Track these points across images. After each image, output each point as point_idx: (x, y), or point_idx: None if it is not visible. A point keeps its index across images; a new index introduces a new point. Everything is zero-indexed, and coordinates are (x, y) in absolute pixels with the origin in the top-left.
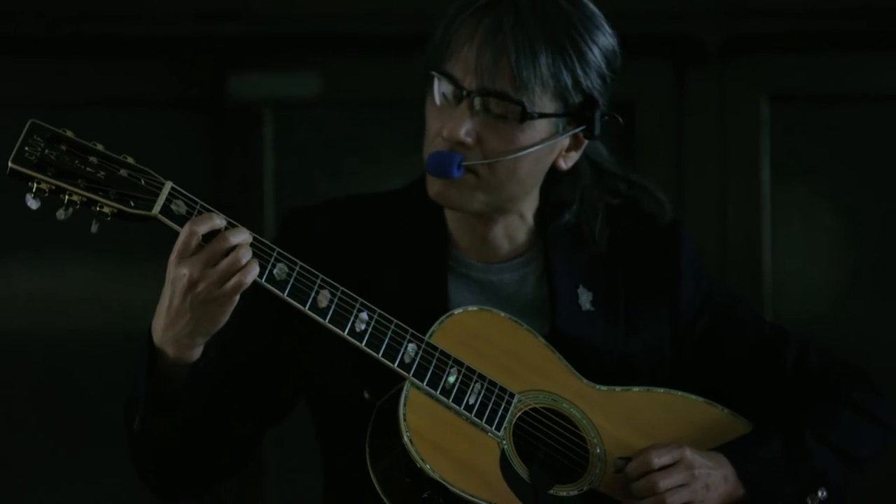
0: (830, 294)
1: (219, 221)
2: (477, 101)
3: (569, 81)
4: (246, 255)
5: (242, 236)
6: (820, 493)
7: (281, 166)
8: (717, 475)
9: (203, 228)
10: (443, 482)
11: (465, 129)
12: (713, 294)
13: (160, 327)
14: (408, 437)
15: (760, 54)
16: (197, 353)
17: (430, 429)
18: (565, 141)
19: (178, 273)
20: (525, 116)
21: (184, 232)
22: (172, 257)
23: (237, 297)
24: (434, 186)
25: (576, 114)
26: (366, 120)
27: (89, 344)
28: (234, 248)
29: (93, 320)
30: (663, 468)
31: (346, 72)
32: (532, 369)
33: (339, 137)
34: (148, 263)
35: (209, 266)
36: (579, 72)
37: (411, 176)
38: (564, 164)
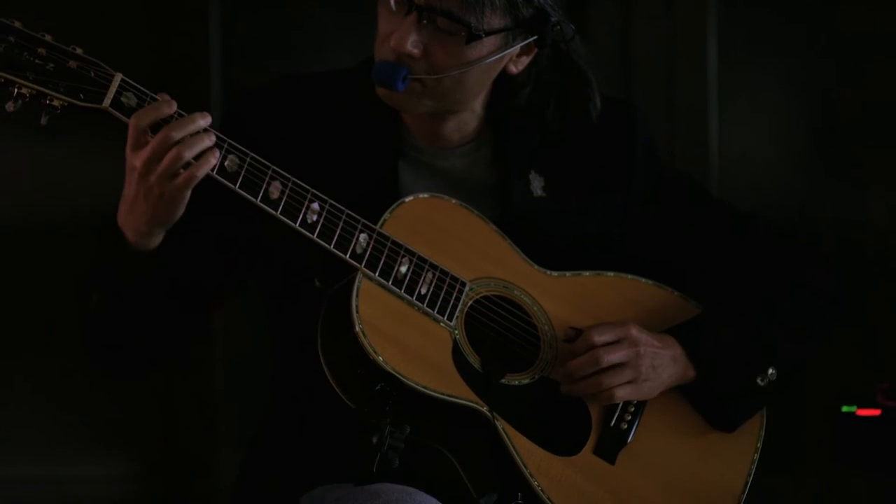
0: (777, 172)
1: (166, 110)
2: (425, 15)
3: None
4: (190, 148)
5: (188, 128)
6: (770, 372)
7: (228, 45)
8: (665, 355)
9: (146, 121)
10: (395, 374)
11: (411, 41)
12: (665, 176)
13: (122, 212)
14: (360, 328)
15: None
16: (155, 241)
17: (382, 320)
18: (516, 48)
19: (130, 164)
20: (472, 37)
21: (130, 125)
22: (127, 148)
23: (188, 193)
24: (381, 90)
25: (526, 25)
26: None
27: (43, 225)
28: (177, 142)
29: (47, 202)
30: (607, 345)
31: None
32: (483, 256)
33: (286, 15)
34: (105, 145)
35: (155, 161)
36: None
37: (360, 54)
38: (515, 69)
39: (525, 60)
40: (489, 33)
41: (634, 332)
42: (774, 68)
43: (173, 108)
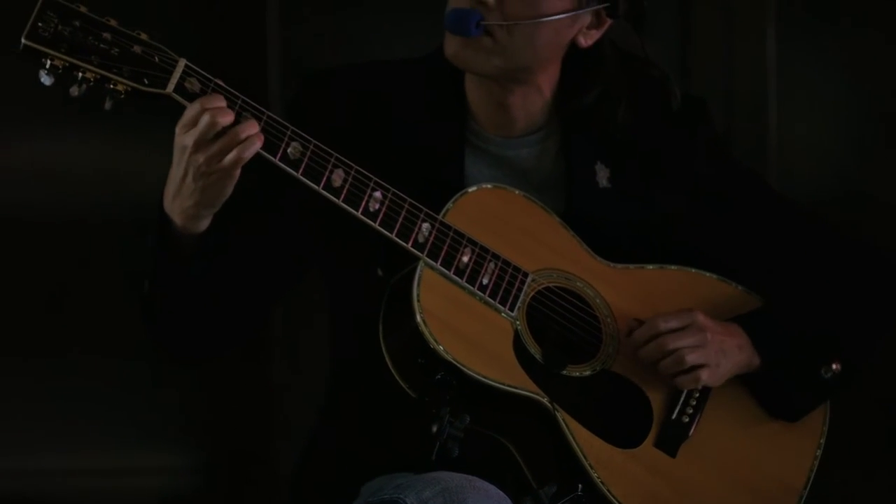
0: (836, 161)
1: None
2: None
3: None
4: (246, 130)
5: (251, 128)
6: (834, 367)
7: (286, 34)
8: (731, 343)
9: (213, 104)
10: (456, 363)
11: None
12: (731, 172)
13: (169, 196)
14: (421, 317)
15: None
16: (203, 224)
17: (443, 309)
18: (587, 17)
19: (180, 144)
20: None
21: (193, 107)
22: (178, 128)
23: (237, 172)
24: (451, 46)
25: None
26: None
27: (100, 217)
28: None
29: (104, 193)
30: (672, 332)
31: None
32: (546, 247)
33: (345, 2)
34: (160, 136)
35: (205, 139)
36: None
37: (417, 44)
38: (584, 41)
39: (595, 35)
40: None
41: (701, 318)
42: (833, 58)
43: (236, 96)
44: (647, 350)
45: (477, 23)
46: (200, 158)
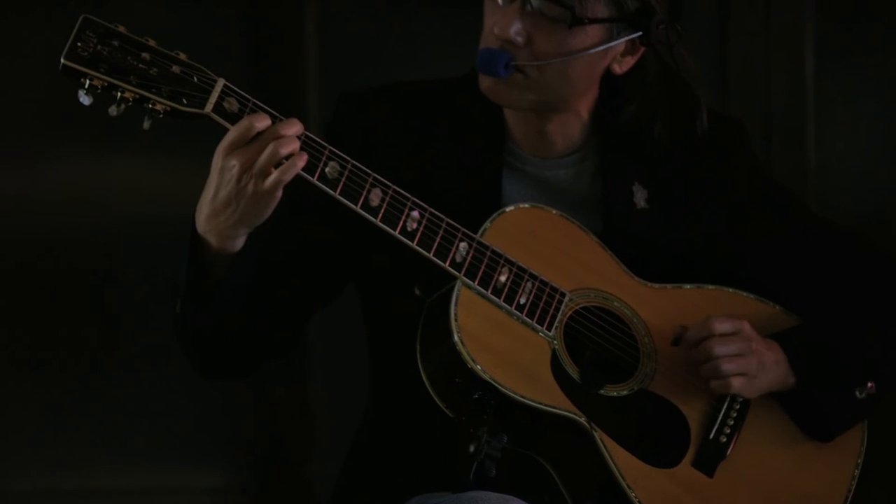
0: (875, 180)
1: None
2: (529, 1)
3: None
4: (285, 146)
5: (293, 129)
6: (869, 386)
7: (324, 54)
8: (769, 357)
9: (261, 124)
10: (493, 383)
11: (515, 29)
12: (768, 193)
13: (203, 217)
14: (458, 336)
15: None
16: (239, 243)
17: (480, 329)
18: (620, 46)
19: (227, 164)
20: (575, 21)
21: (241, 125)
22: (222, 147)
23: (279, 193)
24: (484, 82)
25: (631, 19)
26: (410, 6)
27: (133, 234)
28: (276, 139)
29: (137, 210)
30: (723, 336)
31: None
32: (584, 267)
33: (382, 24)
34: (193, 152)
35: (253, 159)
36: None
37: (456, 64)
38: (619, 69)
39: (630, 61)
40: (593, 21)
41: (748, 327)
42: (872, 76)
43: (276, 116)
44: (696, 351)
45: (506, 64)
46: (245, 180)
